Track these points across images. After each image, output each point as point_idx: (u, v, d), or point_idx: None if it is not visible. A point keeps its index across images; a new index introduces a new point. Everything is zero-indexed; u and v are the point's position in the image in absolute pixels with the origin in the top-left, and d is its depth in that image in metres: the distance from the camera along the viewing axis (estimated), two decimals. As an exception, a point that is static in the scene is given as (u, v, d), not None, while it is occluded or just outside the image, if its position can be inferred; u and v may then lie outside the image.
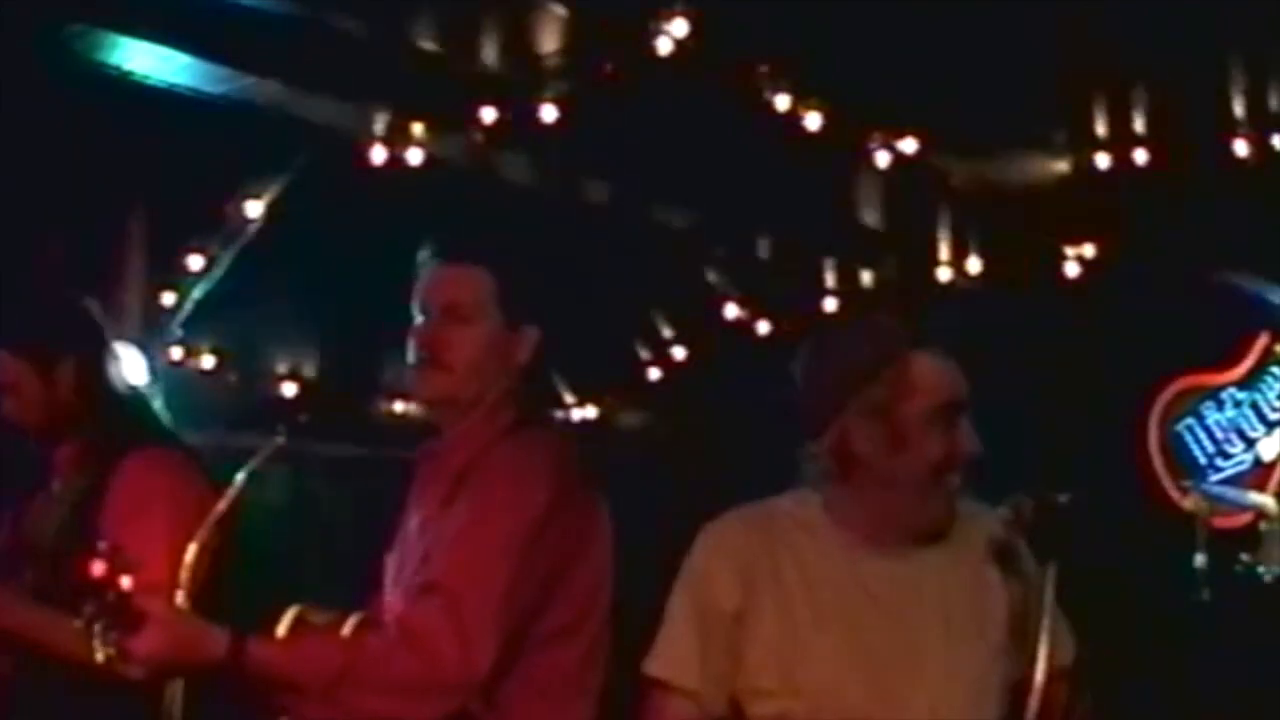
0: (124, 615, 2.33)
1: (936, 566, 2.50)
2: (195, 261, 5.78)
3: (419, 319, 2.75)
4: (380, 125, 5.59)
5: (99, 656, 2.35)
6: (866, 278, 7.08)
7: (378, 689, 2.47)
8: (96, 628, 2.32)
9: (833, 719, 2.41)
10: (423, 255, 2.78)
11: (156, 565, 2.66)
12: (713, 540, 2.52)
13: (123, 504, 3.05)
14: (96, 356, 3.25)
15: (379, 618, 2.70)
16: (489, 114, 5.46)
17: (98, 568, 2.33)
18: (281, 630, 2.61)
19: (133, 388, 3.41)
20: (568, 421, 7.13)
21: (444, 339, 2.70)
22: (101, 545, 2.37)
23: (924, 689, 2.44)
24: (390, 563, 2.82)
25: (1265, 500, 5.22)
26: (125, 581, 2.33)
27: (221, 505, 2.85)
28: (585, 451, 2.78)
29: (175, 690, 2.73)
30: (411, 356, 2.73)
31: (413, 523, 2.75)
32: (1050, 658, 2.37)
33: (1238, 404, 5.84)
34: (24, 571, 3.16)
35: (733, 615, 2.45)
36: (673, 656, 2.48)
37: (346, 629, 2.61)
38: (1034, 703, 2.36)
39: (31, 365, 3.15)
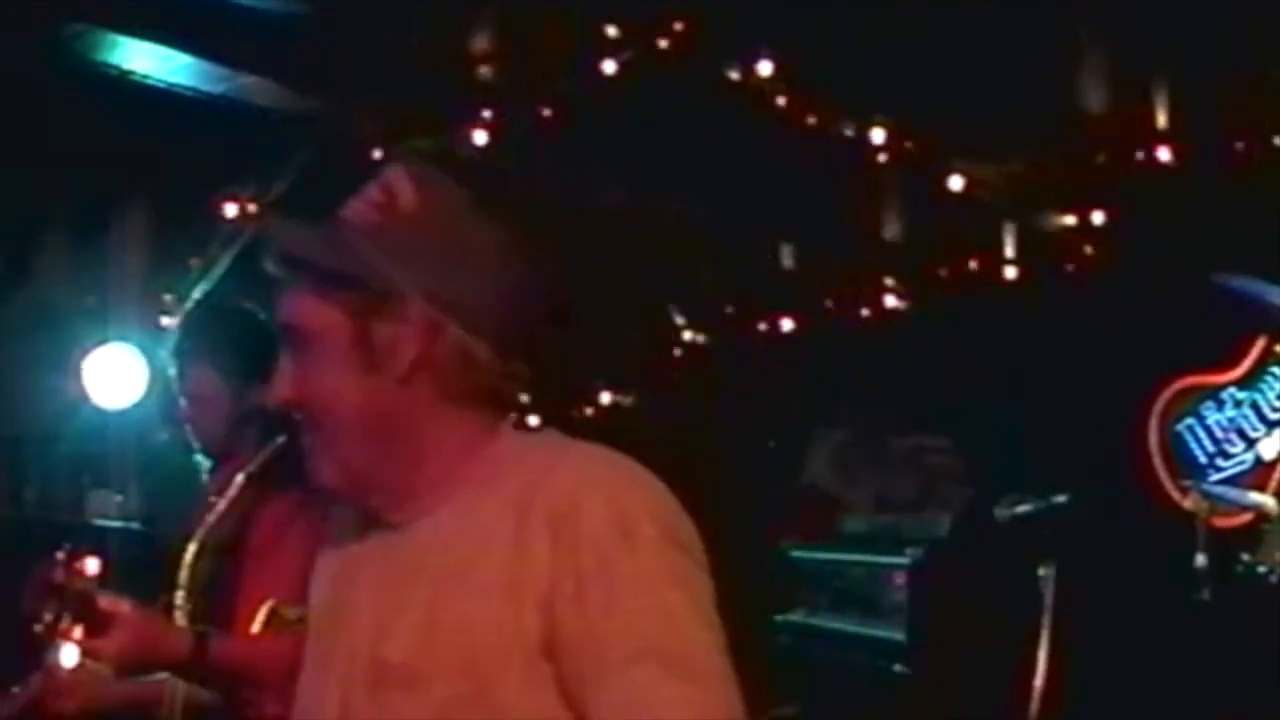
0: (92, 617, 2.49)
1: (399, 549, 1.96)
2: (195, 261, 5.78)
3: None
4: (380, 125, 5.59)
5: (68, 658, 2.55)
6: (866, 278, 7.08)
7: None
8: (62, 627, 2.48)
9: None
10: None
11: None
12: None
13: (260, 554, 3.00)
14: None
15: None
16: (489, 114, 5.47)
17: (59, 574, 2.49)
18: (256, 625, 2.76)
19: None
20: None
21: None
22: (60, 554, 2.50)
23: (335, 688, 1.96)
24: None
25: (1265, 500, 5.20)
26: (90, 587, 2.50)
27: (221, 505, 2.92)
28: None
29: (176, 693, 2.77)
30: None
31: None
32: (1049, 659, 2.37)
33: (1238, 404, 5.82)
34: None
35: None
36: None
37: None
38: (1035, 705, 2.36)
39: (228, 383, 3.15)
